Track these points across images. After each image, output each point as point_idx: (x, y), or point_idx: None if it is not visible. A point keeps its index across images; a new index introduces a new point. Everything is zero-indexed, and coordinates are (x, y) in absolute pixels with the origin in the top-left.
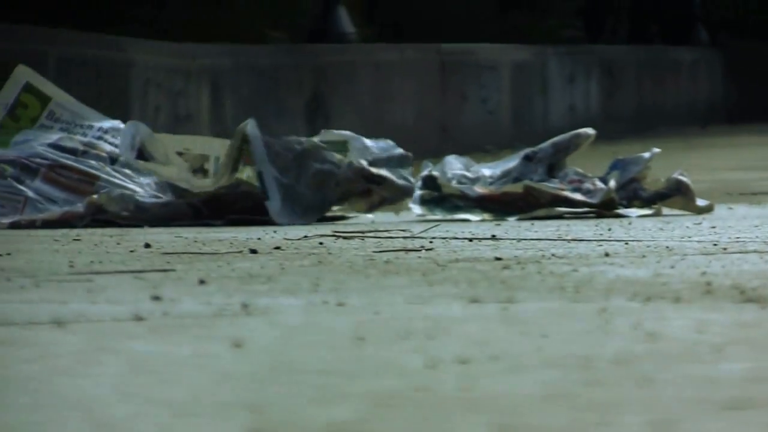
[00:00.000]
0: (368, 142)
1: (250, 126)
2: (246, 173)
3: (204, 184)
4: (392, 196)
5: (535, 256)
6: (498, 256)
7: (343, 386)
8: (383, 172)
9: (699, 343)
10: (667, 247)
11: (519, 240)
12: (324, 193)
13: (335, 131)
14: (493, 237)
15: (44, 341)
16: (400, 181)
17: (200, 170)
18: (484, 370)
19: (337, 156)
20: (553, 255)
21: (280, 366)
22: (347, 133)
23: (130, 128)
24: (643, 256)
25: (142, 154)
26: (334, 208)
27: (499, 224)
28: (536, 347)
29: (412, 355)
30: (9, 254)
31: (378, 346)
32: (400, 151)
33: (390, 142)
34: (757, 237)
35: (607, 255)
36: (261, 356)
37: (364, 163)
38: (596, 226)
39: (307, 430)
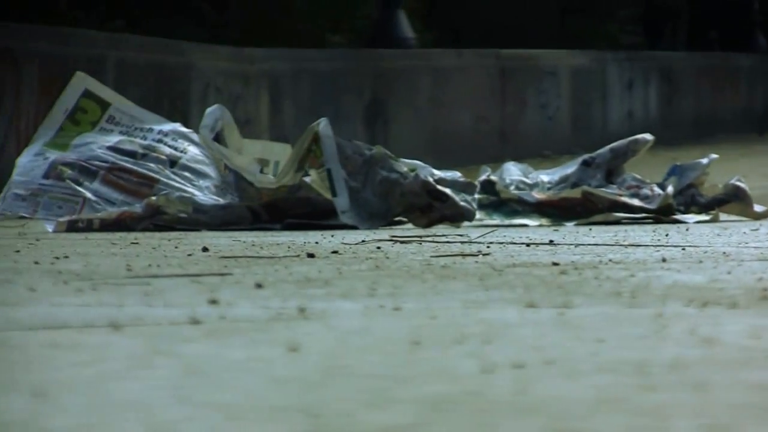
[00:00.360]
0: (437, 171)
1: (323, 125)
2: (310, 177)
3: (268, 181)
4: (453, 215)
5: (593, 261)
6: (555, 261)
7: (398, 390)
8: (447, 190)
9: (754, 349)
10: (724, 252)
11: (576, 245)
12: (388, 202)
13: (405, 160)
14: (551, 242)
15: (100, 344)
16: (463, 203)
17: (260, 174)
18: (538, 374)
19: (404, 167)
20: (610, 260)
21: (335, 370)
22: (417, 162)
23: (216, 111)
24: (700, 262)
25: (218, 139)
26: (395, 219)
27: (556, 229)
28: (591, 352)
29: (467, 359)
30: (67, 257)
31: (433, 351)
32: (466, 179)
33: (457, 173)
34: None
35: (664, 260)
36: (316, 360)
37: (429, 178)
38: (654, 231)
39: None
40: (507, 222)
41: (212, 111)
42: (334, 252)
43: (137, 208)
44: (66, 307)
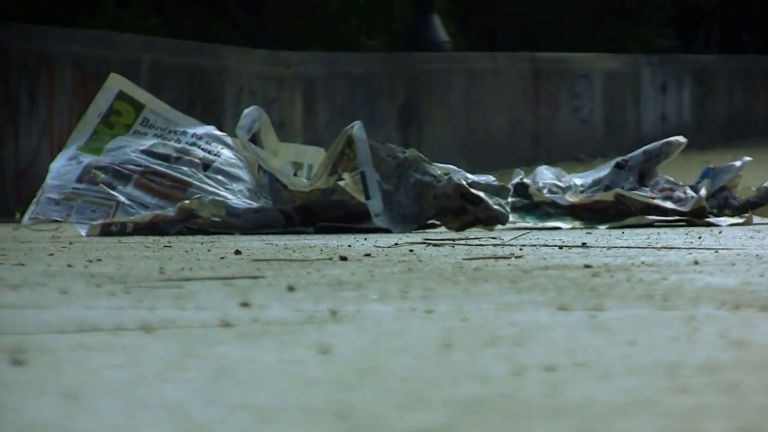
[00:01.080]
0: (470, 175)
1: (357, 128)
2: (344, 181)
3: (301, 184)
4: (486, 218)
5: (625, 263)
6: (587, 263)
7: (429, 393)
8: (480, 193)
9: None
10: (757, 255)
11: (609, 248)
12: (422, 205)
13: (439, 164)
14: (584, 245)
15: (132, 347)
16: (496, 206)
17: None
18: (569, 377)
19: (438, 170)
20: (642, 263)
21: (367, 372)
22: (451, 167)
23: (253, 112)
24: (733, 265)
25: (254, 141)
26: (428, 222)
27: (589, 232)
28: (623, 355)
29: (499, 362)
30: (100, 260)
31: (464, 353)
32: (499, 183)
33: (491, 177)
34: None
35: (696, 263)
36: (347, 362)
37: (463, 181)
38: (686, 234)
39: None
40: (540, 225)
41: (250, 112)
42: (367, 255)
43: (170, 211)
44: (98, 310)
